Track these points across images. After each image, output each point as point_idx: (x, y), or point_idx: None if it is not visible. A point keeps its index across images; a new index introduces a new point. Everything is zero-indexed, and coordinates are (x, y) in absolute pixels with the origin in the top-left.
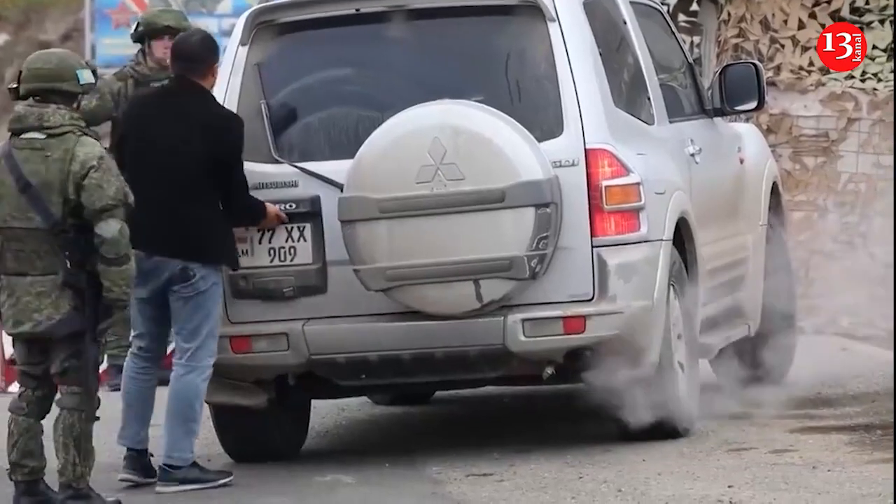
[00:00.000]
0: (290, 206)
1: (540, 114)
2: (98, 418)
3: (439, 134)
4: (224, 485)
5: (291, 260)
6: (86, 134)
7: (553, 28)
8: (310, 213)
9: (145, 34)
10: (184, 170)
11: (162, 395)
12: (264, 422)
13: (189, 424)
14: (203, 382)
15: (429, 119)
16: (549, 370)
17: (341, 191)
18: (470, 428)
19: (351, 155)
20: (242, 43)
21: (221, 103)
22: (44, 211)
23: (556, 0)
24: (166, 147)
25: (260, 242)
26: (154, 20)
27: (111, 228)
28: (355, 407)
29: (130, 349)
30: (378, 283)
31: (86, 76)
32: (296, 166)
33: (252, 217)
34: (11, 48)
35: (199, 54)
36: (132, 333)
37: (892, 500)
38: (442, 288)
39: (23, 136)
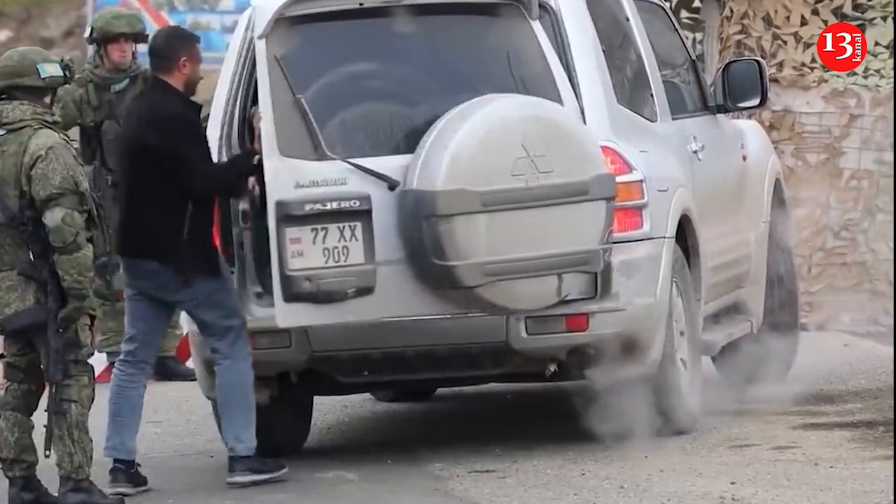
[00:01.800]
0: (354, 203)
1: None
2: (90, 400)
3: (530, 126)
4: (280, 478)
5: (345, 260)
6: (47, 127)
7: (536, 26)
8: (362, 211)
9: (100, 39)
10: (132, 171)
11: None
12: (266, 418)
13: (247, 414)
14: (250, 368)
15: (515, 111)
16: (552, 367)
17: (390, 189)
18: (472, 425)
19: (393, 151)
20: (260, 37)
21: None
22: (1, 205)
23: None
24: (123, 149)
25: (314, 243)
26: (107, 28)
27: (54, 217)
28: (358, 403)
29: (119, 356)
30: (475, 279)
31: (48, 69)
32: (350, 163)
33: (225, 189)
34: (13, 45)
35: (162, 50)
36: (125, 336)
37: (893, 497)
38: (531, 283)
39: None
